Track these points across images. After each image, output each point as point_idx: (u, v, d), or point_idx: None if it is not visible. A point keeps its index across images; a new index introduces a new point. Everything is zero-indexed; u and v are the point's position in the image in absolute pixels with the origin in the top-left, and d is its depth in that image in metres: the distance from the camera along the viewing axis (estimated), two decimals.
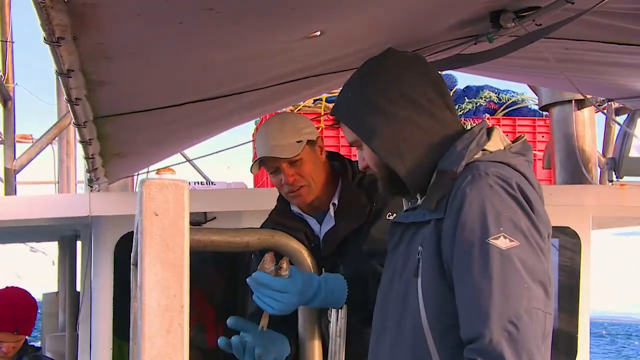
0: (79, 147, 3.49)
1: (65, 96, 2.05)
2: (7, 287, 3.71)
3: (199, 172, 7.14)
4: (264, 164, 2.44)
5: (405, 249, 1.78)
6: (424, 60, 1.92)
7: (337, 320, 2.09)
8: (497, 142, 1.76)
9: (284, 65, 2.51)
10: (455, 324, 1.60)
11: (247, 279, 2.06)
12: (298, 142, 2.39)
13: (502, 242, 1.56)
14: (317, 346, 2.12)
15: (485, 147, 1.74)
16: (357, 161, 2.56)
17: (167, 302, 1.06)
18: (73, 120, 2.33)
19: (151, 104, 2.51)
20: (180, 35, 1.83)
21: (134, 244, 1.45)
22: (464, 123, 5.76)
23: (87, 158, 2.97)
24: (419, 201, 1.81)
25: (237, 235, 2.00)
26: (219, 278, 4.55)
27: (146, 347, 1.04)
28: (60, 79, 1.92)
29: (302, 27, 1.99)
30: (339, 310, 2.11)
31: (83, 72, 1.90)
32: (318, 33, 2.05)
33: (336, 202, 2.44)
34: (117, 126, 2.60)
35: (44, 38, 1.58)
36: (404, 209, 1.92)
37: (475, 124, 1.86)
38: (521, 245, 1.57)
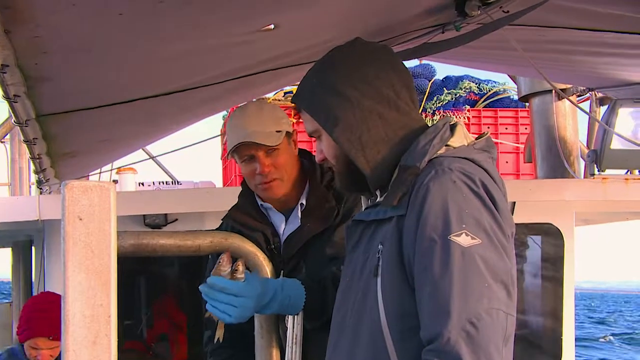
0: None
1: (2, 93, 2.04)
2: (42, 292, 3.69)
3: (163, 170, 7.12)
4: (238, 151, 2.42)
5: (365, 248, 1.79)
6: (392, 51, 1.94)
7: (293, 327, 2.10)
8: (461, 138, 1.79)
9: (240, 59, 2.51)
10: (416, 326, 1.61)
11: (201, 286, 2.04)
12: (277, 131, 2.40)
13: (463, 240, 1.57)
14: (274, 354, 2.13)
15: (449, 143, 1.76)
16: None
17: (93, 312, 1.06)
18: (13, 118, 2.31)
19: (98, 101, 2.50)
20: (122, 28, 1.82)
21: None
22: (445, 115, 5.79)
23: (33, 158, 2.95)
24: (379, 198, 1.83)
25: (187, 238, 2.00)
26: (189, 282, 4.55)
27: None
28: None
29: (254, 20, 2.00)
30: (295, 316, 2.12)
31: (20, 68, 1.89)
32: (272, 26, 2.06)
33: (304, 202, 2.44)
34: (63, 124, 2.58)
35: None
36: (364, 207, 1.94)
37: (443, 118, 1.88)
38: (483, 244, 1.58)
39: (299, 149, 2.54)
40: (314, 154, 2.46)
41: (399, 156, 1.76)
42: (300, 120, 1.96)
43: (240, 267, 2.04)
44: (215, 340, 2.12)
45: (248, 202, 2.51)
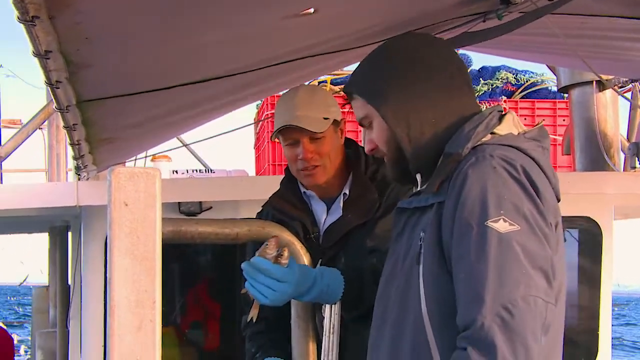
0: None
1: (44, 79, 2.06)
2: None
3: (197, 158, 7.16)
4: (283, 134, 2.42)
5: (408, 237, 1.79)
6: (446, 42, 1.95)
7: (330, 317, 2.10)
8: (510, 127, 1.77)
9: (278, 45, 2.50)
10: (455, 314, 1.60)
11: (243, 264, 2.04)
12: (325, 118, 2.40)
13: (501, 226, 1.55)
14: (310, 343, 2.14)
15: (495, 131, 1.75)
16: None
17: (138, 298, 1.07)
18: (55, 104, 2.34)
19: (137, 87, 2.51)
20: (162, 14, 1.83)
21: None
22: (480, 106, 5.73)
23: (72, 144, 2.98)
24: (422, 186, 1.82)
25: (225, 226, 2.01)
26: (223, 270, 4.58)
27: (115, 345, 1.05)
28: (38, 61, 1.92)
29: (294, 3, 1.99)
30: (333, 306, 2.12)
31: (62, 54, 1.91)
32: (311, 10, 2.05)
33: (347, 192, 2.44)
34: (102, 110, 2.60)
35: (17, 17, 1.58)
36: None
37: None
38: (522, 230, 1.56)
39: (345, 138, 2.53)
40: (360, 144, 2.45)
41: (444, 142, 1.76)
42: (351, 110, 1.96)
43: (285, 253, 2.04)
44: (249, 319, 2.12)
45: (290, 190, 2.52)
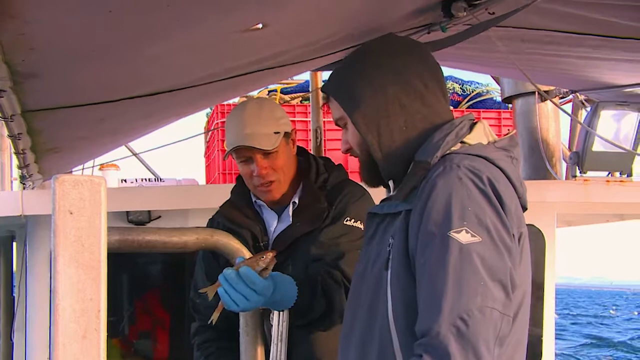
0: None
1: None
2: None
3: (146, 167, 7.09)
4: (236, 152, 2.43)
5: (379, 241, 1.80)
6: (422, 45, 1.96)
7: (279, 324, 2.12)
8: (480, 136, 1.79)
9: (228, 59, 2.52)
10: None
11: (227, 270, 2.03)
12: (275, 132, 2.41)
13: (463, 237, 1.57)
14: (259, 351, 2.14)
15: (465, 140, 1.76)
16: (323, 159, 2.61)
17: (83, 306, 1.07)
18: None
19: (84, 99, 2.50)
20: (110, 26, 1.82)
21: None
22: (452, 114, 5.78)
23: (17, 153, 2.94)
24: (394, 191, 1.84)
25: (174, 234, 2.01)
26: (172, 280, 4.55)
27: (59, 354, 1.05)
28: None
29: (241, 18, 2.01)
30: (281, 313, 2.14)
31: (7, 64, 1.89)
32: (260, 26, 2.07)
33: (296, 201, 2.46)
34: (48, 121, 2.58)
35: None
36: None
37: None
38: (483, 242, 1.58)
39: (297, 146, 2.56)
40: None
41: (415, 149, 1.78)
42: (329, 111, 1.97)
43: (271, 267, 2.05)
44: (209, 321, 2.11)
45: (241, 198, 2.53)
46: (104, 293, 1.11)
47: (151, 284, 4.62)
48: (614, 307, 60.75)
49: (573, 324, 38.47)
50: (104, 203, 1.12)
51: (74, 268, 1.08)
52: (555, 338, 4.42)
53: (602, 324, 40.27)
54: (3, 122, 2.44)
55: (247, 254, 2.12)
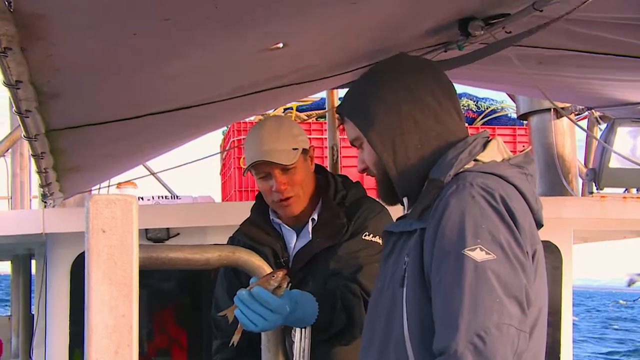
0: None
1: (14, 108, 2.08)
2: None
3: (163, 185, 7.15)
4: (255, 169, 2.46)
5: (395, 259, 1.82)
6: (435, 64, 1.98)
7: (300, 340, 2.13)
8: (494, 153, 1.80)
9: (249, 76, 2.56)
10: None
11: (241, 291, 2.05)
12: (294, 149, 2.44)
13: (477, 254, 1.58)
14: None
15: (478, 158, 1.78)
16: (341, 177, 2.63)
17: (115, 323, 1.10)
18: (23, 133, 2.35)
19: (106, 117, 2.54)
20: (135, 47, 1.86)
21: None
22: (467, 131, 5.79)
23: (39, 172, 2.98)
24: (410, 209, 1.86)
25: (196, 252, 2.03)
26: (188, 297, 4.56)
27: None
28: (8, 90, 1.94)
29: (264, 39, 2.04)
30: (303, 329, 2.15)
31: (33, 84, 1.93)
32: (281, 45, 2.11)
33: (315, 217, 2.49)
34: (71, 140, 2.62)
35: None
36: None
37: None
38: (498, 259, 1.59)
39: (315, 164, 2.58)
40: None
41: (430, 167, 1.79)
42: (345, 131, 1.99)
43: (284, 285, 2.06)
44: (230, 343, 2.13)
45: (260, 217, 2.55)
46: (136, 310, 1.13)
47: (167, 302, 4.64)
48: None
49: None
50: (136, 221, 1.14)
51: (106, 285, 1.10)
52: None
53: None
54: (27, 141, 2.48)
55: (268, 270, 2.14)
